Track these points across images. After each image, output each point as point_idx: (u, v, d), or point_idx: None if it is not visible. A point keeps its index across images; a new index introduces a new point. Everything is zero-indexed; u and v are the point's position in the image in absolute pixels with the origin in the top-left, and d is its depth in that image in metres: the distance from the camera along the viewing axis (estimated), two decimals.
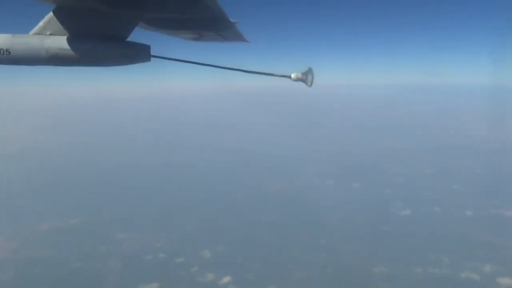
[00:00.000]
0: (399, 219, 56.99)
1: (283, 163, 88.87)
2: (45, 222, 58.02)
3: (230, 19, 5.90)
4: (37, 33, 5.19)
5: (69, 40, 5.13)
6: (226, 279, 42.30)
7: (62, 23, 5.12)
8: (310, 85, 5.85)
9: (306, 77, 5.76)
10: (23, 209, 63.55)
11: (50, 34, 5.16)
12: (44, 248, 50.26)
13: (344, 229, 53.57)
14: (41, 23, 5.19)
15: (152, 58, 5.58)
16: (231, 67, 6.09)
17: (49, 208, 63.47)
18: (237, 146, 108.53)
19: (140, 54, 5.47)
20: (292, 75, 5.80)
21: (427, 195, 65.43)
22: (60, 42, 5.12)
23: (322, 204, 62.73)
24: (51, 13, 5.12)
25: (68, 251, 48.81)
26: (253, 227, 55.98)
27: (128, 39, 5.39)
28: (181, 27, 6.03)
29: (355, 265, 44.55)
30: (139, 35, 5.73)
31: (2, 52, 5.11)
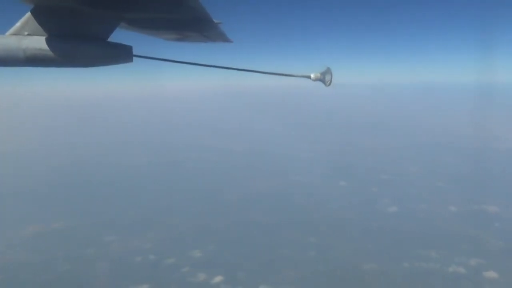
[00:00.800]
0: (386, 216, 57.80)
1: (272, 162, 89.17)
2: (29, 226, 56.78)
3: (213, 20, 5.81)
4: (14, 34, 5.00)
5: (48, 41, 4.94)
6: (218, 278, 42.18)
7: (40, 23, 4.95)
8: (329, 85, 5.91)
9: (324, 77, 5.80)
10: (5, 213, 62.05)
11: (28, 35, 4.98)
12: (29, 252, 49.14)
13: (333, 227, 54.02)
14: (18, 23, 5.01)
15: (134, 58, 5.46)
16: (240, 67, 6.06)
17: (33, 211, 62.17)
18: (225, 146, 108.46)
19: (122, 54, 5.34)
20: (312, 75, 5.84)
21: (413, 192, 66.57)
22: (38, 43, 4.94)
23: (310, 202, 63.18)
24: (29, 13, 4.94)
25: (54, 254, 47.87)
26: (242, 226, 56.00)
27: (109, 40, 5.25)
28: (163, 27, 5.92)
29: (345, 262, 44.98)
30: (123, 35, 5.66)
31: None
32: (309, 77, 5.82)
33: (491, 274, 41.86)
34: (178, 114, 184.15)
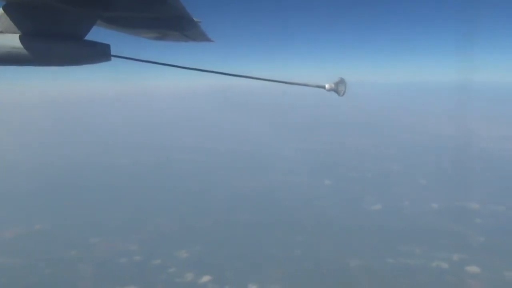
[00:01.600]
0: (371, 214, 58.63)
1: (257, 162, 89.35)
2: (9, 229, 55.44)
3: (194, 18, 5.70)
4: None
5: (21, 39, 4.71)
6: (206, 278, 42.03)
7: (13, 20, 4.71)
8: (342, 95, 6.02)
9: (337, 87, 5.86)
10: None
11: (1, 32, 4.74)
12: (10, 255, 47.94)
13: (319, 225, 54.47)
14: None
15: (113, 58, 5.30)
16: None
17: (14, 212, 60.71)
18: (210, 146, 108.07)
19: (99, 53, 5.18)
20: (326, 86, 5.85)
21: (396, 190, 67.62)
22: (12, 41, 4.70)
23: (296, 201, 63.56)
24: (1, 10, 4.74)
25: (36, 257, 46.86)
26: (228, 226, 55.93)
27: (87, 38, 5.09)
28: (142, 26, 5.69)
29: (331, 259, 45.41)
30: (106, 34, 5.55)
31: None
32: (323, 87, 5.83)
33: (474, 268, 42.91)
34: (162, 114, 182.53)
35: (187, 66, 5.96)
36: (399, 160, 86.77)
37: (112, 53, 5.25)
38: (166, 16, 5.15)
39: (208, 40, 7.05)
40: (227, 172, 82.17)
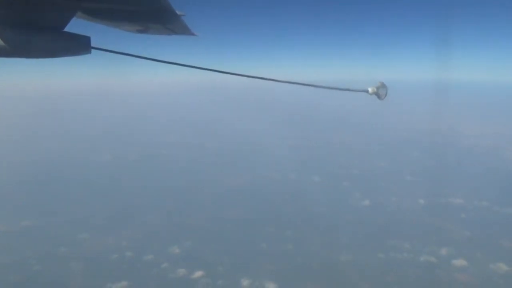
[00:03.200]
0: (360, 209, 59.46)
1: (245, 158, 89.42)
2: None
3: (177, 12, 5.50)
4: None
5: None
6: (199, 273, 41.97)
7: None
8: (383, 99, 6.27)
9: (378, 91, 6.18)
10: None
11: None
12: None
13: (309, 221, 54.96)
14: None
15: (93, 51, 5.09)
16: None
17: None
18: (197, 142, 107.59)
19: (79, 45, 4.97)
20: (369, 89, 6.19)
21: (383, 186, 68.71)
22: None
23: (285, 197, 63.97)
24: None
25: (24, 254, 45.93)
26: (218, 222, 55.92)
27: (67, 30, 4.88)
28: (123, 18, 5.54)
29: (322, 254, 45.96)
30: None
31: None
32: (366, 91, 6.15)
33: (461, 262, 44.07)
34: (144, 109, 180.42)
35: (171, 60, 5.85)
36: (384, 157, 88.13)
37: (93, 45, 5.04)
38: (147, 8, 5.03)
39: (192, 34, 6.81)
40: (215, 169, 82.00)
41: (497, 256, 44.39)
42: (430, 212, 58.05)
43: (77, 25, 5.00)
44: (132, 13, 5.20)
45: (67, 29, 4.89)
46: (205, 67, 6.19)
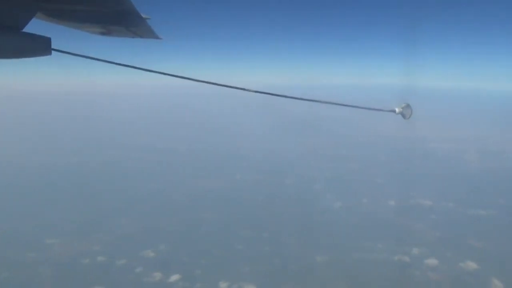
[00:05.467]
0: (332, 211, 60.30)
1: (216, 161, 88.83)
2: None
3: (141, 14, 5.42)
4: None
5: None
6: (175, 277, 41.17)
7: None
8: (408, 118, 6.88)
9: (404, 111, 6.81)
10: None
11: None
12: None
13: (284, 223, 55.16)
14: None
15: (54, 52, 4.93)
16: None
17: None
18: (166, 145, 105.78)
19: (38, 47, 4.77)
20: (396, 110, 6.80)
21: (354, 188, 70.06)
22: None
23: (258, 200, 64.02)
24: None
25: None
26: (192, 225, 55.25)
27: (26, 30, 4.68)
28: (86, 20, 5.38)
29: (299, 255, 46.26)
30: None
31: None
32: (394, 111, 6.79)
33: (432, 261, 45.52)
34: (108, 112, 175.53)
35: (135, 65, 5.71)
36: (355, 160, 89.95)
37: (53, 47, 4.85)
38: (110, 10, 4.90)
39: (156, 37, 6.67)
40: (186, 172, 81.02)
41: (466, 255, 46.24)
42: (400, 213, 59.64)
43: (39, 26, 4.79)
44: (94, 14, 5.04)
45: (26, 29, 4.62)
46: (169, 73, 6.00)
